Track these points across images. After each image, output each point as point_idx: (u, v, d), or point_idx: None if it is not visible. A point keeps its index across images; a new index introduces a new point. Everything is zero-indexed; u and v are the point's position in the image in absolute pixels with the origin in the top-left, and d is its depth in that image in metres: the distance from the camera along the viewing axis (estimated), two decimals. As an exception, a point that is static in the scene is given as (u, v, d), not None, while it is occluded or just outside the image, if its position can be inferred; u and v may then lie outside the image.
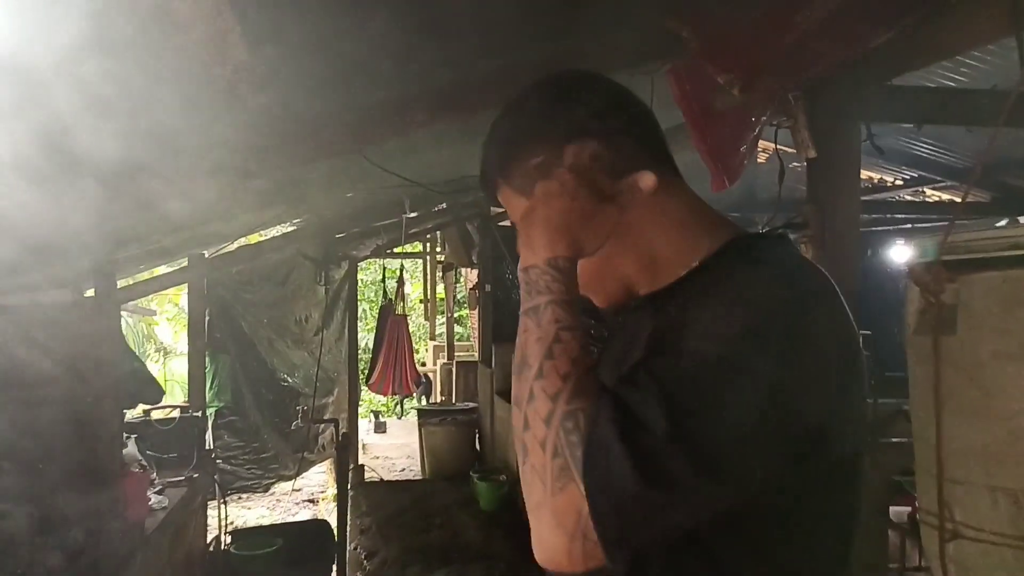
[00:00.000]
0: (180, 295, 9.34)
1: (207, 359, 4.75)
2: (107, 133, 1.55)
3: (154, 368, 9.78)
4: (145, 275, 4.81)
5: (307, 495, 7.77)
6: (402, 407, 8.20)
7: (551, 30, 1.89)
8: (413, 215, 5.65)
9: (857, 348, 0.79)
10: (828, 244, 2.13)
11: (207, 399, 4.69)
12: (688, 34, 1.93)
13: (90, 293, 3.08)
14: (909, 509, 2.35)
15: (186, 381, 5.13)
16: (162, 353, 10.36)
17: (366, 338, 10.55)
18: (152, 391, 3.54)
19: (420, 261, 12.12)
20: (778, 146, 2.22)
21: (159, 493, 3.30)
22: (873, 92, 2.05)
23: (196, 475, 3.65)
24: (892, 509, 2.79)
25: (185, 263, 4.47)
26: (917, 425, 1.63)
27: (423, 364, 10.99)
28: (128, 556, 2.73)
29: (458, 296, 11.87)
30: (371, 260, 8.57)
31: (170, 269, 4.73)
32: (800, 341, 0.72)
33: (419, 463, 7.25)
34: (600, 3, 1.87)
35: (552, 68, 0.97)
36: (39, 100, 1.35)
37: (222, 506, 3.98)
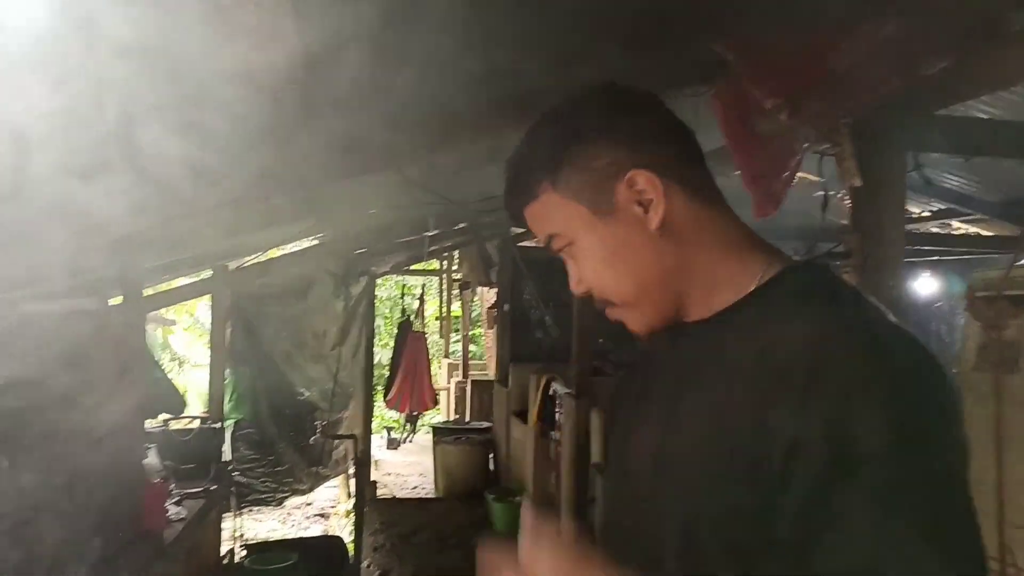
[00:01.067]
0: (196, 306, 9.38)
1: (227, 370, 4.73)
2: (151, 137, 1.54)
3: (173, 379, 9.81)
4: (167, 285, 4.82)
5: (318, 509, 7.72)
6: (414, 426, 8.15)
7: (593, 51, 1.88)
8: (435, 233, 5.65)
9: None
10: (870, 274, 2.09)
11: (226, 410, 4.66)
12: (734, 58, 1.91)
13: (115, 301, 3.08)
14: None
15: (200, 392, 5.12)
16: (178, 363, 10.38)
17: (380, 354, 10.54)
18: (175, 401, 3.53)
19: (435, 279, 12.15)
20: (819, 175, 2.19)
21: (177, 504, 3.27)
22: (922, 122, 2.01)
23: (213, 487, 3.62)
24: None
25: (208, 274, 4.47)
26: (975, 468, 1.58)
27: (434, 380, 10.95)
28: (145, 567, 2.70)
29: (473, 315, 11.85)
30: (387, 276, 8.56)
31: (192, 280, 4.74)
32: (936, 394, 0.70)
33: (431, 481, 7.19)
34: (645, 25, 1.86)
35: (608, 80, 0.94)
36: (74, 107, 1.34)
37: (237, 519, 3.95)
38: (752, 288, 0.80)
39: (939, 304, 6.32)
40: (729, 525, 0.72)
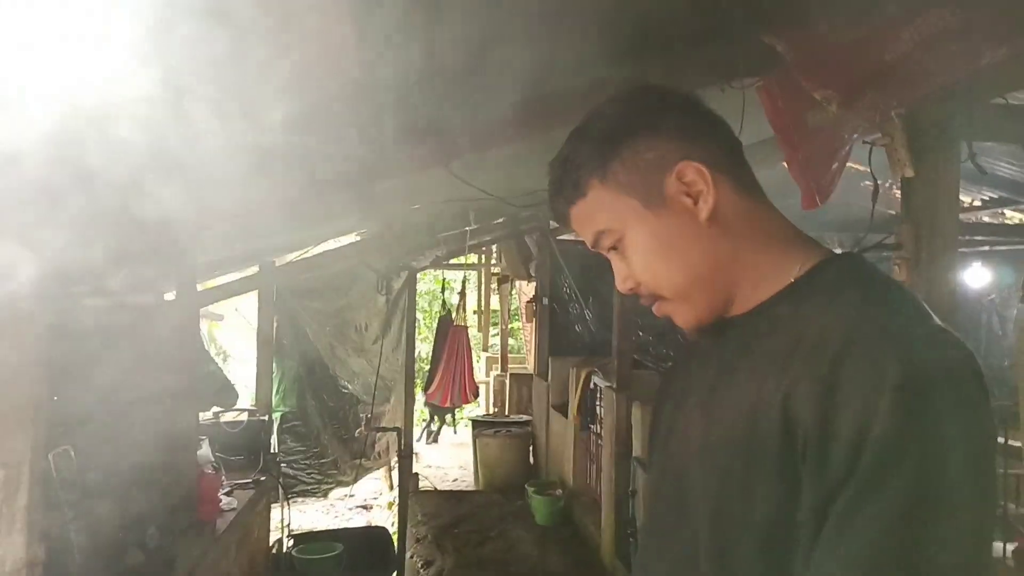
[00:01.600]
0: (241, 301, 9.55)
1: (274, 364, 4.83)
2: (207, 138, 1.59)
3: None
4: (217, 281, 4.93)
5: (360, 501, 7.83)
6: (454, 417, 8.23)
7: (645, 44, 1.88)
8: (475, 227, 5.69)
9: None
10: (923, 266, 2.06)
11: (273, 403, 4.77)
12: (784, 48, 1.90)
13: (170, 296, 3.17)
14: (1016, 545, 2.24)
15: (246, 385, 5.24)
16: (223, 357, 10.61)
17: (420, 347, 10.64)
18: (228, 394, 3.62)
19: (474, 273, 12.20)
20: (870, 167, 2.16)
21: (228, 494, 3.36)
22: (977, 110, 1.98)
23: (262, 478, 3.71)
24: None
25: (255, 270, 4.56)
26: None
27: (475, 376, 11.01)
28: (200, 556, 2.78)
29: (512, 308, 11.88)
30: (426, 271, 8.64)
31: (240, 275, 4.84)
32: (975, 398, 0.67)
33: (471, 474, 7.25)
34: (695, 17, 1.85)
35: (645, 82, 0.95)
36: (133, 109, 1.39)
37: (285, 509, 4.04)
38: (791, 280, 0.81)
39: (991, 296, 6.16)
40: (756, 518, 0.72)
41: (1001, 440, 2.10)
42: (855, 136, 2.13)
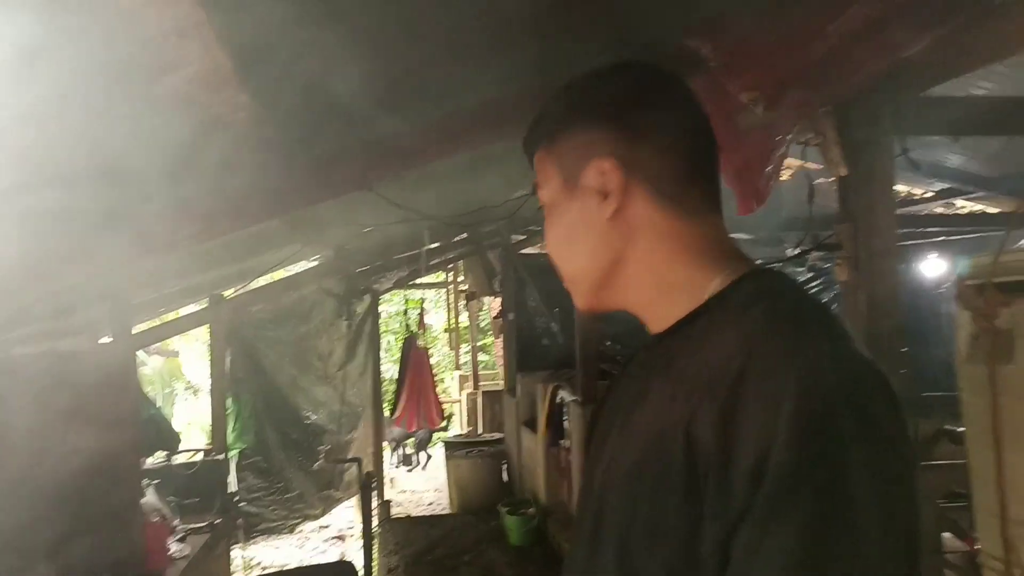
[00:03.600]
0: (207, 332, 9.39)
1: (229, 400, 4.70)
2: (115, 180, 1.50)
3: (183, 408, 9.78)
4: (170, 316, 4.80)
5: (335, 532, 7.66)
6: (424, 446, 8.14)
7: (566, 52, 1.83)
8: (434, 246, 5.62)
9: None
10: (864, 265, 2.02)
11: (230, 440, 4.63)
12: (708, 52, 1.86)
13: (106, 340, 3.06)
14: (962, 545, 2.20)
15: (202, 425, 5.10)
16: (192, 392, 10.39)
17: (391, 369, 10.50)
18: (170, 438, 3.50)
19: (443, 291, 12.11)
20: (806, 164, 2.13)
21: (181, 541, 3.23)
22: (907, 104, 1.95)
23: (219, 520, 3.58)
24: (943, 536, 2.65)
25: (206, 304, 4.45)
26: (975, 461, 1.51)
27: (446, 393, 10.91)
28: (149, 609, 2.66)
29: (481, 324, 11.80)
30: (393, 292, 8.54)
31: (193, 308, 4.72)
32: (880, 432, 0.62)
33: (446, 496, 7.13)
34: (615, 22, 1.81)
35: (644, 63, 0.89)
36: (39, 150, 1.31)
37: (245, 551, 3.90)
38: (705, 299, 0.78)
39: (947, 286, 6.21)
40: (660, 543, 0.68)
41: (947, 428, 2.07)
42: (789, 137, 2.10)
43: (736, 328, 0.71)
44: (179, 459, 3.79)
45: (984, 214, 5.69)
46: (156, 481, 3.34)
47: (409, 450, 9.80)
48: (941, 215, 5.79)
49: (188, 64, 1.10)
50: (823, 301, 0.80)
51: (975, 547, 1.73)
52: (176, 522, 3.33)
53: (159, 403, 6.23)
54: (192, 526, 3.42)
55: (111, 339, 2.99)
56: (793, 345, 0.66)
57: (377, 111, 1.66)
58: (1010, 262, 1.36)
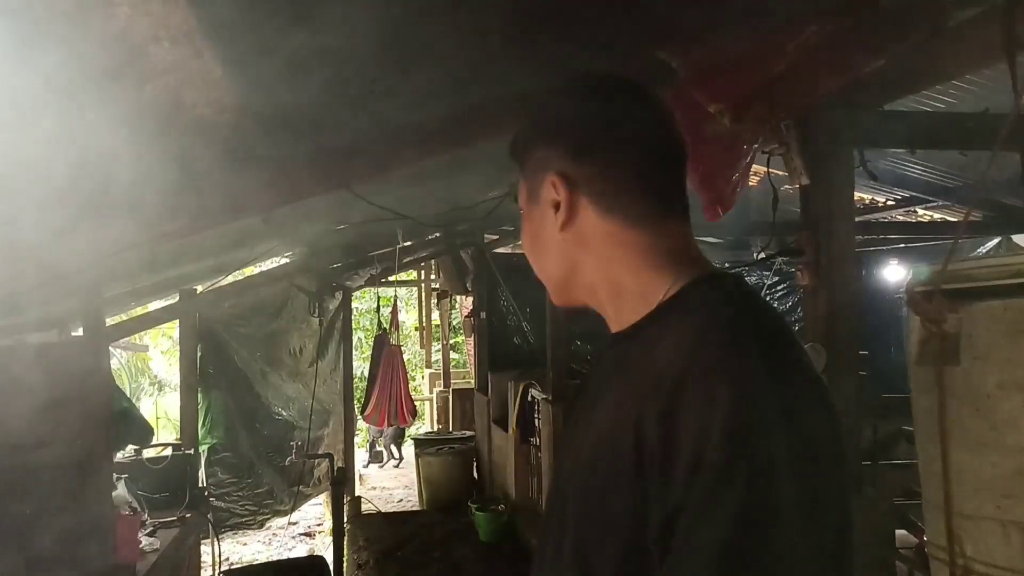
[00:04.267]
0: (174, 328, 9.28)
1: (199, 395, 4.68)
2: (91, 173, 1.52)
3: (149, 403, 9.67)
4: (139, 311, 4.77)
5: (303, 528, 7.65)
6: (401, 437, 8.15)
7: (539, 61, 1.88)
8: (407, 244, 5.64)
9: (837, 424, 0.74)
10: (824, 271, 2.11)
11: (200, 436, 4.62)
12: (678, 63, 1.93)
13: (78, 333, 3.04)
14: (915, 540, 2.30)
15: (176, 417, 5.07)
16: (156, 387, 10.27)
17: (362, 367, 10.48)
18: (142, 432, 3.49)
19: (415, 289, 12.11)
20: (770, 171, 2.21)
21: (151, 535, 3.23)
22: (866, 117, 2.04)
23: (188, 514, 3.58)
24: (897, 532, 2.75)
25: (176, 299, 4.43)
26: (923, 457, 1.59)
27: (416, 391, 10.91)
28: (118, 602, 2.66)
29: (453, 323, 11.83)
30: (365, 289, 8.53)
31: (164, 303, 4.69)
32: (803, 447, 0.67)
33: (416, 494, 7.16)
34: (589, 32, 1.87)
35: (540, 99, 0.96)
36: (15, 142, 1.33)
37: (216, 545, 3.90)
38: (657, 303, 0.82)
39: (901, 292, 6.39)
40: (612, 537, 0.73)
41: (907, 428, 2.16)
42: (755, 146, 2.18)
43: (678, 334, 0.76)
44: (149, 453, 3.78)
45: (944, 222, 5.87)
46: (125, 476, 3.33)
47: (379, 448, 9.81)
48: (903, 223, 5.96)
49: (177, 69, 1.14)
50: (768, 304, 0.86)
51: (923, 539, 1.82)
52: (146, 516, 3.33)
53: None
54: (162, 520, 3.42)
55: (83, 332, 2.98)
56: (727, 352, 0.71)
57: (354, 115, 1.70)
58: (958, 270, 1.44)
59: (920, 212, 5.81)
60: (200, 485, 4.10)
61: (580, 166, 0.85)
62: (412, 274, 11.09)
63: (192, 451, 4.04)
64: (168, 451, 3.85)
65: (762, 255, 2.30)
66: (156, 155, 1.41)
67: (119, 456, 3.59)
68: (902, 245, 6.42)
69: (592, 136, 0.86)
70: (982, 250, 5.92)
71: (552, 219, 0.87)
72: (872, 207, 5.81)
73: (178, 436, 4.72)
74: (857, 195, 5.43)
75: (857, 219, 5.41)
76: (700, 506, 0.64)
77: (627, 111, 0.87)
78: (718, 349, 0.71)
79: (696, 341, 0.73)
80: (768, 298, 6.92)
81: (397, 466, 9.56)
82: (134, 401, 7.44)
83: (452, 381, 9.88)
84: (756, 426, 0.65)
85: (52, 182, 1.52)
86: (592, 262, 0.87)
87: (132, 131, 1.31)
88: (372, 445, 9.84)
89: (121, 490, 3.10)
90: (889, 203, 5.64)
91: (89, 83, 1.13)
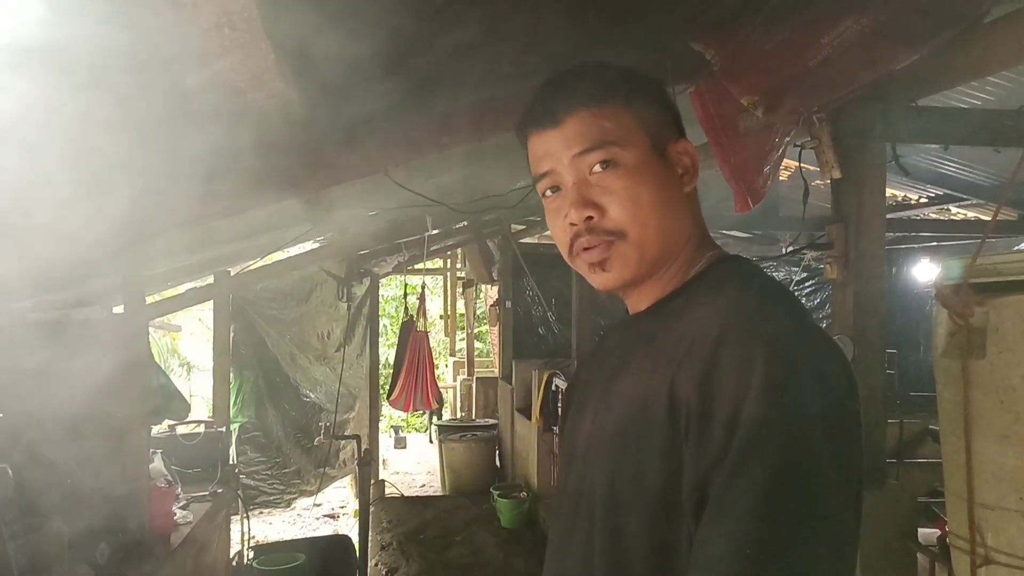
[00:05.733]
0: (204, 311, 9.45)
1: (231, 375, 4.79)
2: (139, 152, 1.59)
3: (179, 383, 9.85)
4: (171, 292, 4.88)
5: (327, 510, 7.77)
6: (433, 419, 8.24)
7: (575, 51, 1.91)
8: (434, 232, 5.69)
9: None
10: (854, 264, 2.12)
11: (231, 414, 4.72)
12: (712, 56, 1.95)
13: (119, 309, 3.14)
14: (938, 532, 2.31)
15: (209, 396, 5.19)
16: (186, 368, 10.46)
17: (387, 354, 10.59)
18: (179, 406, 3.59)
19: (440, 277, 12.20)
20: (802, 165, 2.22)
21: (184, 508, 3.33)
22: (899, 112, 2.04)
23: (220, 490, 3.68)
24: (920, 531, 2.75)
25: (211, 280, 4.53)
26: (947, 448, 1.61)
27: (440, 379, 11.00)
28: (153, 571, 2.75)
29: (478, 312, 11.90)
30: (392, 276, 8.62)
31: (196, 285, 4.79)
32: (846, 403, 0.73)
33: (439, 479, 7.25)
34: (624, 23, 1.89)
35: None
36: (69, 120, 1.39)
37: (245, 521, 4.00)
38: (688, 278, 0.88)
39: (929, 288, 6.32)
40: (645, 498, 0.77)
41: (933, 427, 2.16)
42: (787, 140, 2.19)
43: (712, 304, 0.81)
44: (182, 430, 3.88)
45: (978, 221, 5.80)
46: (160, 450, 3.43)
47: (403, 434, 9.92)
48: (935, 220, 5.90)
49: (234, 52, 1.19)
50: (784, 284, 0.92)
51: (946, 529, 1.84)
52: (179, 489, 3.42)
53: (160, 376, 6.31)
54: (195, 494, 3.52)
55: (123, 309, 3.08)
56: (761, 317, 0.76)
57: (397, 100, 1.75)
58: (986, 264, 1.46)
59: (954, 210, 5.74)
60: (231, 462, 4.20)
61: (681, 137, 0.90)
62: (438, 263, 11.18)
63: (224, 429, 4.13)
64: (201, 428, 3.94)
65: (791, 248, 2.31)
66: (205, 137, 1.46)
67: (155, 431, 3.70)
68: (934, 243, 6.35)
69: (676, 112, 0.92)
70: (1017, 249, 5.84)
71: (677, 181, 0.88)
72: (905, 204, 5.74)
73: (210, 414, 4.83)
74: (889, 192, 5.39)
75: (889, 216, 5.39)
76: (740, 459, 0.68)
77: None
78: (752, 314, 0.77)
79: (730, 308, 0.79)
80: (796, 294, 6.89)
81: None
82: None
83: (476, 370, 9.96)
84: (791, 383, 0.70)
85: (100, 160, 1.59)
86: (689, 233, 0.89)
87: (188, 114, 1.37)
88: (396, 430, 9.95)
89: (157, 463, 3.20)
90: (922, 200, 5.58)
91: (151, 64, 1.18)
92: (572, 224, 0.86)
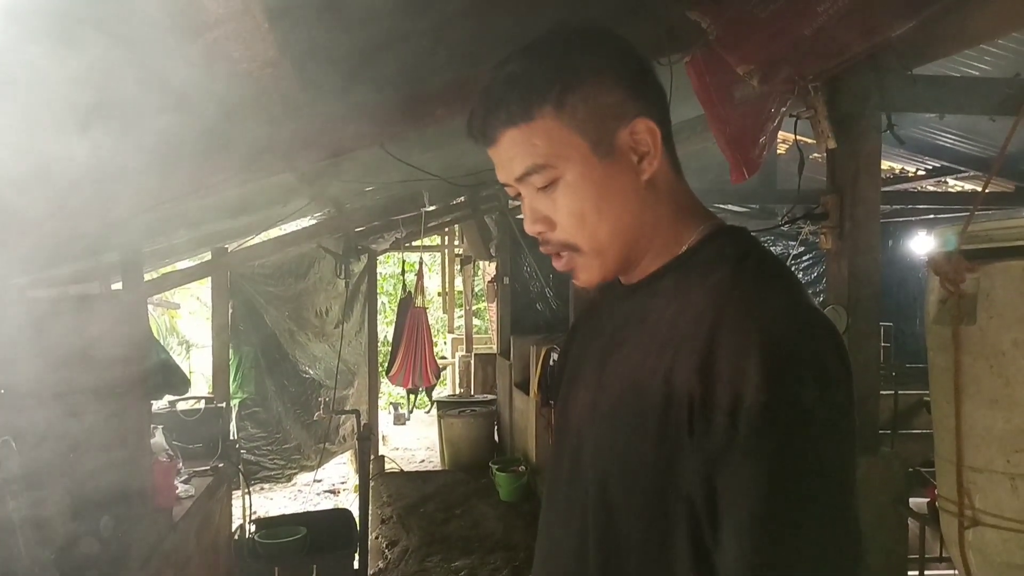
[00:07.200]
0: (202, 289, 9.45)
1: (230, 351, 4.81)
2: (135, 127, 1.59)
3: (179, 361, 9.88)
4: (169, 268, 4.88)
5: (328, 486, 7.84)
6: (418, 398, 8.30)
7: (569, 18, 1.91)
8: (432, 208, 5.69)
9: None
10: (848, 235, 2.13)
11: (231, 390, 4.75)
12: (708, 24, 1.94)
13: (117, 286, 3.15)
14: (929, 499, 2.35)
15: (209, 373, 5.22)
16: (185, 346, 10.49)
17: (386, 331, 10.62)
18: (179, 382, 3.61)
19: (438, 254, 12.20)
20: (798, 137, 2.22)
21: (186, 482, 3.36)
22: (894, 81, 2.04)
23: (221, 464, 3.71)
24: (913, 501, 2.79)
25: (208, 257, 4.53)
26: (937, 413, 1.64)
27: (443, 357, 11.05)
28: (157, 543, 2.79)
29: (476, 289, 11.92)
30: (390, 253, 8.62)
31: (193, 263, 4.80)
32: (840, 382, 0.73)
33: (438, 454, 7.31)
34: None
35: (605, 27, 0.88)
36: (65, 92, 1.39)
37: (246, 495, 4.05)
38: (679, 252, 0.84)
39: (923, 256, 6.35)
40: (638, 480, 0.77)
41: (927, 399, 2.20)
42: (783, 109, 2.19)
43: (704, 287, 0.78)
44: (183, 406, 3.91)
45: (975, 192, 5.80)
46: (161, 426, 3.46)
47: (402, 410, 9.97)
48: (932, 192, 5.90)
49: (227, 21, 1.19)
50: (780, 259, 0.89)
51: (935, 494, 1.87)
52: (181, 464, 3.46)
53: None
54: (196, 469, 3.55)
55: (122, 285, 3.08)
56: (757, 301, 0.74)
57: (395, 70, 1.74)
58: (978, 231, 1.47)
59: (951, 182, 5.74)
60: (232, 438, 4.23)
61: (655, 107, 0.82)
62: (436, 240, 11.17)
63: (224, 404, 4.16)
64: (201, 404, 3.97)
65: (786, 218, 2.32)
66: (200, 107, 1.46)
67: (155, 407, 3.72)
68: (931, 216, 6.36)
69: (647, 77, 0.83)
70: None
71: (633, 172, 0.81)
72: (902, 177, 5.74)
73: (210, 390, 4.86)
74: (886, 164, 5.39)
75: (886, 188, 5.39)
76: (746, 446, 0.68)
77: (654, 69, 0.87)
78: (748, 299, 0.75)
79: (725, 293, 0.76)
80: (793, 268, 6.91)
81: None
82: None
83: (474, 347, 10.00)
84: (791, 368, 0.69)
85: (95, 133, 1.59)
86: (659, 215, 0.84)
87: (181, 83, 1.36)
88: (395, 407, 10.00)
89: (159, 438, 3.23)
90: (920, 173, 5.58)
91: (145, 33, 1.18)
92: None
